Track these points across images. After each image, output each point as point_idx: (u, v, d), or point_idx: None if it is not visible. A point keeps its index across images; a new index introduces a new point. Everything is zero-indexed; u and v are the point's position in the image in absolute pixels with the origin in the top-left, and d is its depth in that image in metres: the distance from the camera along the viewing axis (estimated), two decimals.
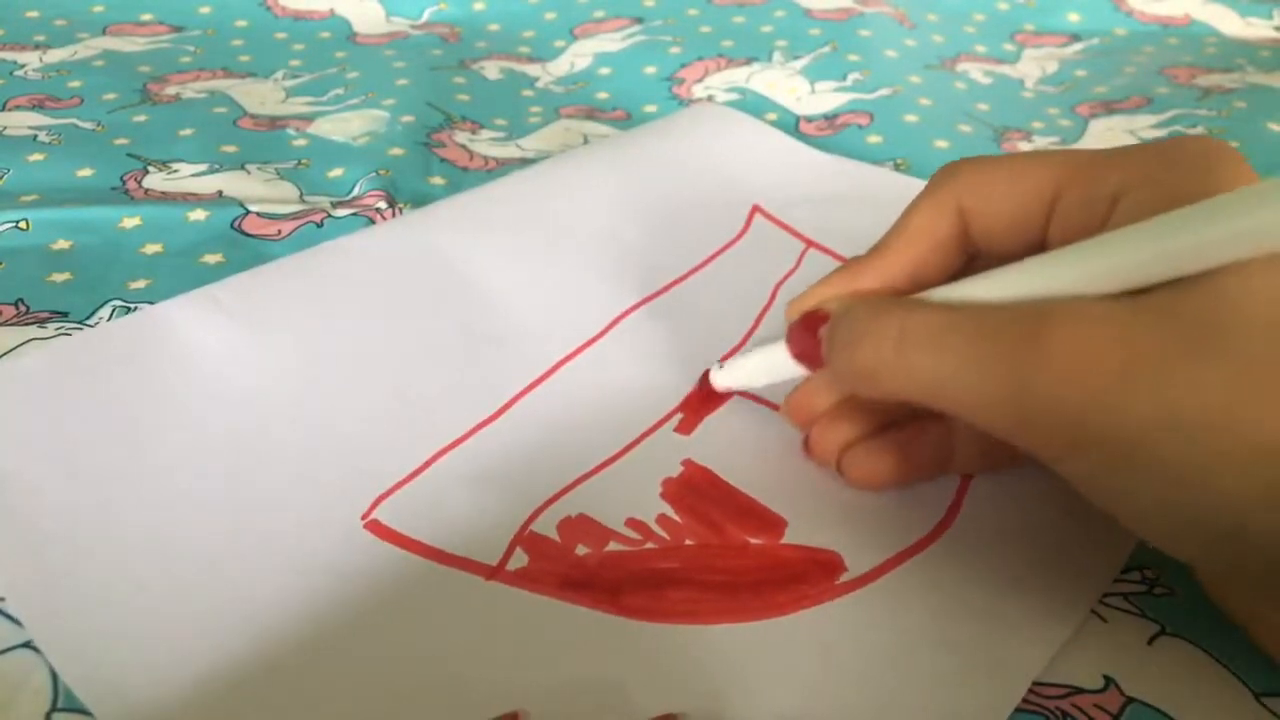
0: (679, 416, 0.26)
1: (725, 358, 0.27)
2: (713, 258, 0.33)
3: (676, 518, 0.24)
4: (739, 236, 0.34)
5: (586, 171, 0.37)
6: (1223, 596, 0.21)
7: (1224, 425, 0.16)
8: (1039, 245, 0.21)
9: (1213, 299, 0.17)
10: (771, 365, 0.24)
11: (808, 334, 0.22)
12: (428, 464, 0.25)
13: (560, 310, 0.30)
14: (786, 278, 0.32)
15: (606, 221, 0.34)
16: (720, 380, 0.26)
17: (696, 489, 0.24)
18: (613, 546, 0.23)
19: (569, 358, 0.28)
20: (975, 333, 0.19)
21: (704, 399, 0.27)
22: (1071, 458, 0.18)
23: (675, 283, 0.32)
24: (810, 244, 0.34)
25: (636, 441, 0.26)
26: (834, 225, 0.34)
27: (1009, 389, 0.18)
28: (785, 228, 0.35)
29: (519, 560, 0.22)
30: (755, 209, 0.35)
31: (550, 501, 0.24)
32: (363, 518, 0.23)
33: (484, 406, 0.26)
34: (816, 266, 0.33)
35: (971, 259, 0.23)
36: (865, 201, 0.35)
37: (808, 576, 0.22)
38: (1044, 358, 0.17)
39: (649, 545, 0.23)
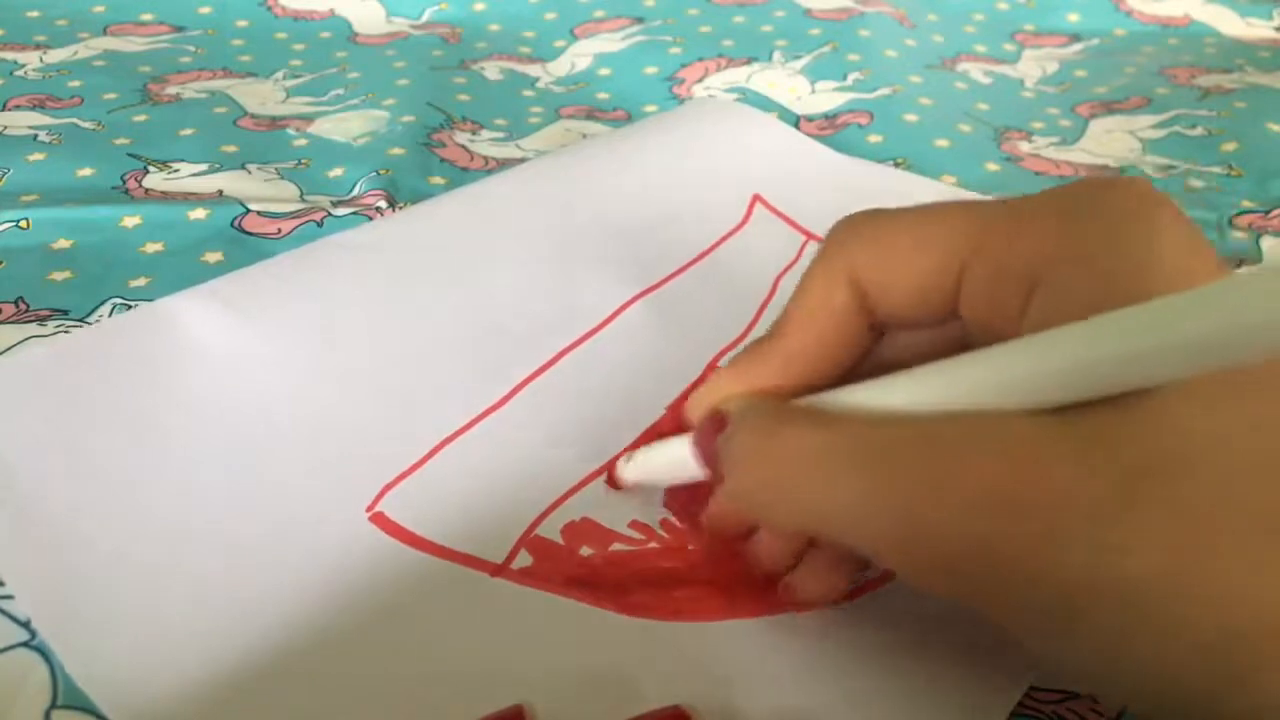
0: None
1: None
2: (714, 247, 0.33)
3: (678, 523, 0.24)
4: (740, 226, 0.34)
5: (588, 163, 0.36)
6: None
7: (1167, 594, 0.13)
8: (950, 315, 0.19)
9: (1154, 433, 0.14)
10: (680, 465, 0.21)
11: (710, 441, 0.19)
12: (432, 453, 0.25)
13: (562, 301, 0.30)
14: (787, 269, 0.32)
15: (608, 211, 0.34)
16: (627, 476, 0.24)
17: (699, 496, 0.24)
18: (616, 548, 0.23)
19: (570, 348, 0.28)
20: (873, 460, 0.16)
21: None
22: (994, 613, 0.16)
23: (677, 272, 0.32)
24: (810, 236, 0.34)
25: (639, 441, 0.26)
26: (835, 218, 0.34)
27: (911, 529, 0.15)
28: (786, 219, 0.35)
29: (523, 560, 0.22)
30: (756, 198, 0.35)
31: (554, 506, 0.24)
32: (368, 509, 0.23)
33: (487, 396, 0.26)
34: None
35: (879, 333, 0.20)
36: (866, 196, 0.35)
37: None
38: (952, 494, 0.15)
39: (652, 545, 0.23)
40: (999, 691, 0.20)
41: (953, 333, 0.19)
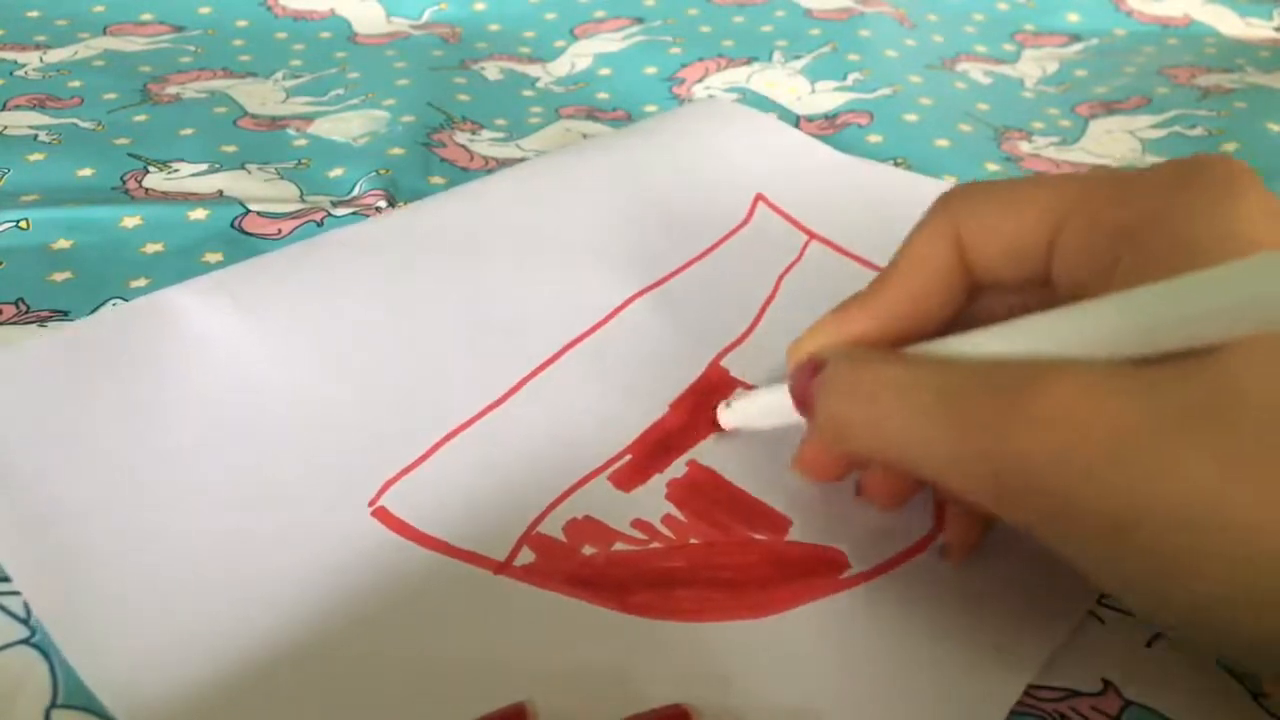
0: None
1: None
2: (716, 245, 0.33)
3: (682, 518, 0.24)
4: (742, 224, 0.34)
5: (589, 162, 0.36)
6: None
7: (1212, 520, 0.15)
8: (1042, 279, 0.20)
9: (1213, 379, 0.15)
10: (778, 409, 0.23)
11: (806, 384, 0.21)
12: (435, 449, 0.25)
13: (563, 298, 0.30)
14: (789, 269, 0.32)
15: (609, 210, 0.34)
16: (727, 420, 0.26)
17: (701, 490, 0.24)
18: (619, 547, 0.23)
19: (572, 344, 0.28)
20: (951, 392, 0.17)
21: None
22: (1053, 536, 0.17)
23: (679, 270, 0.32)
24: (812, 235, 0.34)
25: (640, 440, 0.26)
26: (837, 218, 0.34)
27: (985, 457, 0.17)
28: (788, 218, 0.34)
29: (526, 558, 0.22)
30: (758, 197, 0.35)
31: (556, 503, 0.24)
32: (370, 504, 0.23)
33: (489, 392, 0.26)
34: (819, 259, 0.33)
35: (974, 293, 0.22)
36: (868, 196, 0.35)
37: (811, 573, 0.22)
38: (1026, 423, 0.16)
39: (654, 545, 0.23)
40: (998, 690, 0.20)
41: (1042, 298, 0.20)
